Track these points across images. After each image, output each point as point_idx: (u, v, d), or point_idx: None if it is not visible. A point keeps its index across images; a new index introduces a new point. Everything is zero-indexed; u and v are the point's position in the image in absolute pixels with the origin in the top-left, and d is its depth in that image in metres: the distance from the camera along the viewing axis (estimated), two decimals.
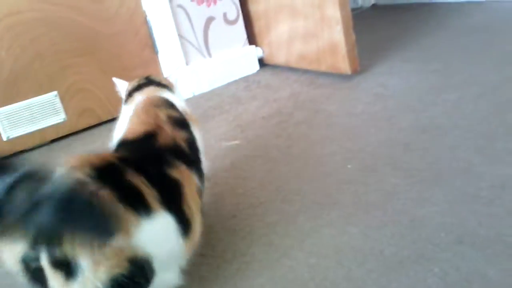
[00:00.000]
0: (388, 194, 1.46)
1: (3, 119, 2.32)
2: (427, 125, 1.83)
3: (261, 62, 3.04)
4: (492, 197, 1.34)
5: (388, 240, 1.26)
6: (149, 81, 1.49)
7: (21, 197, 0.77)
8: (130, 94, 1.46)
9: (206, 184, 1.34)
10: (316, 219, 1.41)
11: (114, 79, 1.55)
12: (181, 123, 1.29)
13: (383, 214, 1.37)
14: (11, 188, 0.78)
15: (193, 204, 1.08)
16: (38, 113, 2.40)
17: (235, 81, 2.87)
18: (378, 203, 1.42)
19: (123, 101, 1.49)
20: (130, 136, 1.21)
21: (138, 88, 1.45)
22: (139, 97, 1.38)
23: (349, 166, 1.67)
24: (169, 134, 1.20)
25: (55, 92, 2.43)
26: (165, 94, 1.41)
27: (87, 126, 2.55)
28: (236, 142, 1.58)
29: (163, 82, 1.51)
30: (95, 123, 2.57)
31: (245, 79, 2.89)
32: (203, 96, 2.74)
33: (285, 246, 1.29)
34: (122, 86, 1.56)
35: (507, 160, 1.50)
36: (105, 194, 0.85)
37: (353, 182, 1.56)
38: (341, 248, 1.27)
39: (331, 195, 1.51)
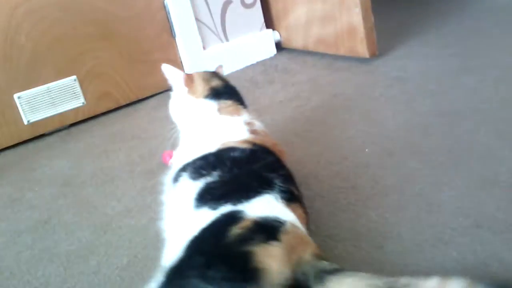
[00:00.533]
0: (406, 178, 1.46)
1: (23, 103, 2.35)
2: (446, 109, 1.81)
3: (279, 46, 3.03)
4: (511, 182, 1.33)
5: (406, 223, 1.26)
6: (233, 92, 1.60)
7: None
8: (216, 92, 1.54)
9: None
10: (334, 203, 1.41)
11: (164, 66, 1.56)
12: None
13: (401, 197, 1.37)
14: None
15: None
16: (58, 97, 2.43)
17: (252, 65, 2.87)
18: (396, 187, 1.42)
19: (191, 91, 1.54)
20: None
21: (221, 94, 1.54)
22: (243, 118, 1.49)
23: (367, 150, 1.66)
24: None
25: (74, 77, 2.45)
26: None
27: (106, 110, 2.58)
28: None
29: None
30: (113, 107, 2.59)
31: (262, 63, 2.88)
32: None
33: None
34: (175, 74, 1.57)
35: None
36: None
37: (371, 165, 1.56)
38: (359, 232, 1.27)
39: (349, 179, 1.52)
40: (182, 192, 1.21)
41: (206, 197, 1.11)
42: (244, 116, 1.48)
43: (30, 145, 2.38)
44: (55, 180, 1.94)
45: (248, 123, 1.44)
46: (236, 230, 0.99)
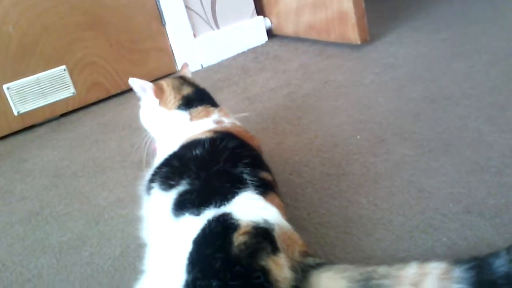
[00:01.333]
0: (397, 164, 1.46)
1: (13, 94, 2.33)
2: (436, 95, 1.82)
3: (270, 33, 3.02)
4: (502, 167, 1.34)
5: (397, 210, 1.27)
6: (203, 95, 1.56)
7: None
8: (188, 100, 1.51)
9: None
10: (325, 190, 1.42)
11: (131, 80, 1.51)
12: None
13: (392, 184, 1.38)
14: None
15: None
16: (48, 87, 2.41)
17: (243, 53, 2.86)
18: (387, 174, 1.43)
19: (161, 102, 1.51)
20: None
21: (197, 99, 1.53)
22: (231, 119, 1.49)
23: (358, 136, 1.67)
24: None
25: (63, 66, 2.43)
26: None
27: (97, 99, 2.56)
28: (245, 114, 1.59)
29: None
30: (104, 97, 2.58)
31: (253, 50, 2.87)
32: (211, 68, 2.73)
33: (294, 217, 1.30)
34: (143, 86, 1.52)
35: None
36: None
37: (362, 152, 1.56)
38: (350, 218, 1.28)
39: (340, 166, 1.52)
40: (157, 205, 1.21)
41: (184, 206, 1.11)
42: (214, 116, 1.45)
43: (21, 136, 2.36)
44: (46, 171, 1.93)
45: (217, 122, 1.43)
46: (239, 238, 0.99)
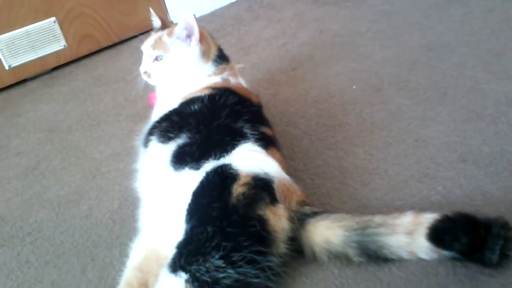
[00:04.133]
0: (393, 114, 1.46)
1: (3, 47, 2.29)
2: (433, 43, 1.79)
3: None
4: (497, 115, 1.34)
5: (393, 159, 1.28)
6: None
7: None
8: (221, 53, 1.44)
9: None
10: (321, 141, 1.42)
11: (185, 15, 1.33)
12: None
13: (388, 134, 1.38)
14: None
15: None
16: (38, 40, 2.36)
17: (237, 2, 2.79)
18: (383, 123, 1.43)
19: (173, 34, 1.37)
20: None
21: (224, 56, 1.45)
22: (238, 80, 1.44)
23: (354, 86, 1.65)
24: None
25: (53, 18, 2.37)
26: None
27: (88, 52, 2.52)
28: (240, 65, 1.56)
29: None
30: (96, 49, 2.53)
31: None
32: (204, 18, 2.67)
33: (291, 168, 1.30)
34: (194, 26, 1.35)
35: None
36: None
37: (358, 103, 1.56)
38: (346, 169, 1.29)
39: (336, 117, 1.52)
40: (154, 157, 1.21)
41: (184, 159, 1.11)
42: (224, 74, 1.39)
43: (13, 91, 2.34)
44: (40, 125, 1.92)
45: (225, 80, 1.39)
46: (238, 189, 1.00)
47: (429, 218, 0.93)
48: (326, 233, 0.98)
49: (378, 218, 0.97)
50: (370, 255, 0.95)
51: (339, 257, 0.98)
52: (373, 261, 0.96)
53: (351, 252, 0.96)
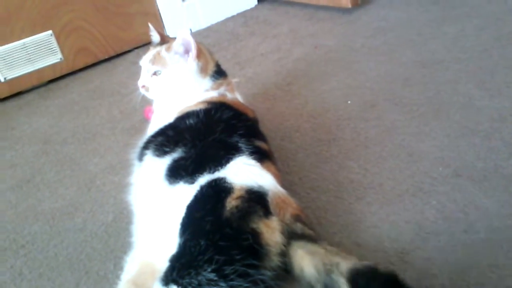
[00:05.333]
0: (388, 129, 1.47)
1: None
2: (427, 59, 1.81)
3: None
4: (491, 131, 1.35)
5: (387, 174, 1.29)
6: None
7: None
8: (219, 69, 1.45)
9: None
10: (316, 155, 1.43)
11: (182, 32, 1.35)
12: None
13: (382, 149, 1.39)
14: None
15: None
16: (34, 53, 2.37)
17: (233, 17, 2.81)
18: (377, 138, 1.44)
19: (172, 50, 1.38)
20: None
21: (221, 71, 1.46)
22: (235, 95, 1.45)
23: (348, 102, 1.67)
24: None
25: (50, 31, 2.38)
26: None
27: (84, 65, 2.52)
28: (236, 80, 1.57)
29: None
30: (92, 62, 2.54)
31: (243, 14, 2.82)
32: (200, 33, 2.69)
33: (286, 182, 1.31)
34: (190, 43, 1.36)
35: (507, 93, 1.50)
36: None
37: (353, 118, 1.57)
38: (341, 183, 1.29)
39: (330, 131, 1.52)
40: (149, 171, 1.21)
41: (178, 173, 1.11)
42: (221, 89, 1.40)
43: (8, 103, 2.33)
44: (35, 138, 1.92)
45: (221, 95, 1.39)
46: (232, 202, 1.00)
47: None
48: (301, 262, 0.96)
49: (344, 265, 0.91)
50: None
51: None
52: None
53: None
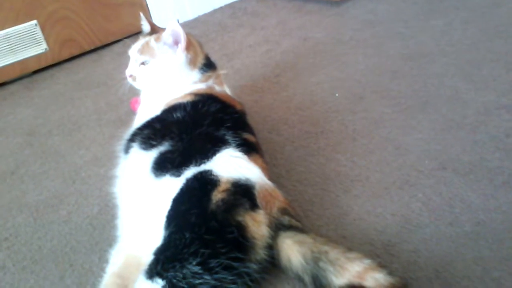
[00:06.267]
0: (375, 122, 1.47)
1: None
2: (415, 52, 1.82)
3: None
4: (477, 124, 1.36)
5: (374, 167, 1.29)
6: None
7: None
8: (208, 61, 1.43)
9: None
10: (304, 148, 1.42)
11: (172, 22, 1.33)
12: None
13: (370, 141, 1.39)
14: None
15: None
16: (18, 43, 2.33)
17: (221, 8, 2.79)
18: (365, 131, 1.44)
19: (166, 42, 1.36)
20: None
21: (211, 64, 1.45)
22: (224, 88, 1.43)
23: (336, 94, 1.66)
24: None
25: (34, 21, 2.35)
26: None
27: (70, 56, 2.49)
28: (223, 71, 1.56)
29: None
30: (78, 53, 2.51)
31: (231, 5, 2.81)
32: (187, 24, 2.67)
33: (274, 174, 1.31)
34: (179, 33, 1.35)
35: (493, 86, 1.50)
36: None
37: (340, 110, 1.57)
38: (328, 175, 1.29)
39: (318, 124, 1.52)
40: (135, 163, 1.20)
41: (165, 166, 1.10)
42: (209, 82, 1.39)
43: None
44: (20, 129, 1.89)
45: (209, 87, 1.38)
46: (217, 195, 0.99)
47: (374, 277, 0.88)
48: (288, 253, 0.97)
49: (333, 254, 0.92)
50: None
51: (298, 279, 0.96)
52: None
53: (306, 279, 0.94)
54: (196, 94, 1.31)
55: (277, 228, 1.00)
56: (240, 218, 0.97)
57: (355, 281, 0.88)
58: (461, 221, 1.07)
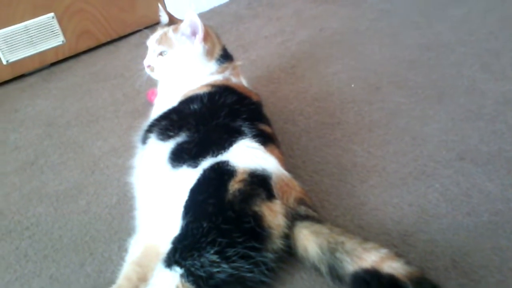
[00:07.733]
0: (392, 112, 1.47)
1: (1, 42, 2.28)
2: (432, 42, 1.80)
3: None
4: (495, 114, 1.34)
5: (391, 157, 1.28)
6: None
7: None
8: (225, 52, 1.44)
9: None
10: (320, 139, 1.42)
11: (190, 12, 1.34)
12: None
13: (386, 132, 1.39)
14: None
15: None
16: (36, 36, 2.35)
17: None
18: (381, 122, 1.43)
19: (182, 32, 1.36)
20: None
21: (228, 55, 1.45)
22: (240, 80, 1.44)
23: (352, 85, 1.66)
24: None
25: (52, 14, 2.37)
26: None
27: (87, 48, 2.51)
28: (239, 63, 1.57)
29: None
30: (94, 45, 2.52)
31: None
32: (203, 15, 2.66)
33: (290, 165, 1.31)
34: (197, 24, 1.35)
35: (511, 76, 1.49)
36: None
37: (357, 101, 1.56)
38: (345, 166, 1.29)
39: (334, 115, 1.52)
40: (153, 154, 1.21)
41: (182, 156, 1.11)
42: (226, 73, 1.40)
43: (11, 86, 2.33)
44: (39, 120, 1.92)
45: (226, 79, 1.39)
46: (234, 185, 1.00)
47: (391, 266, 0.88)
48: (305, 243, 0.98)
49: (349, 244, 0.93)
50: (338, 278, 0.93)
51: (314, 269, 0.97)
52: (343, 284, 0.93)
53: (323, 269, 0.95)
54: (212, 86, 1.32)
55: (294, 218, 1.01)
56: (256, 208, 0.98)
57: (375, 267, 0.89)
58: (478, 211, 1.06)
